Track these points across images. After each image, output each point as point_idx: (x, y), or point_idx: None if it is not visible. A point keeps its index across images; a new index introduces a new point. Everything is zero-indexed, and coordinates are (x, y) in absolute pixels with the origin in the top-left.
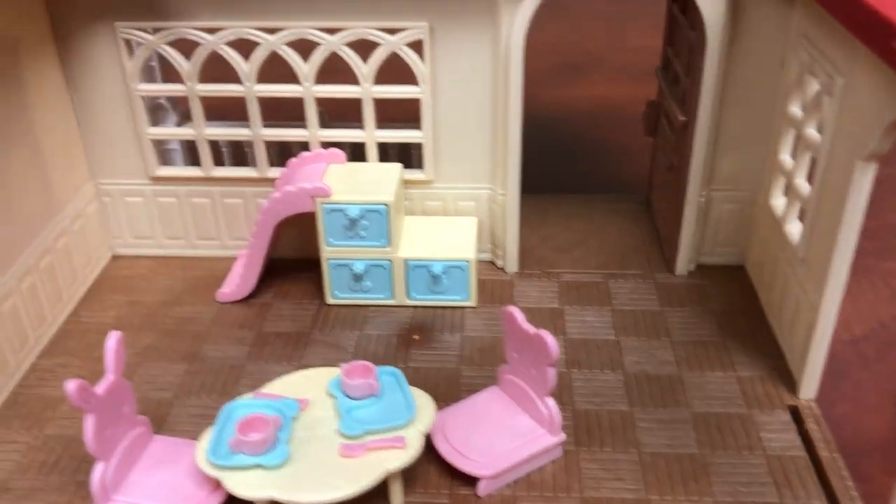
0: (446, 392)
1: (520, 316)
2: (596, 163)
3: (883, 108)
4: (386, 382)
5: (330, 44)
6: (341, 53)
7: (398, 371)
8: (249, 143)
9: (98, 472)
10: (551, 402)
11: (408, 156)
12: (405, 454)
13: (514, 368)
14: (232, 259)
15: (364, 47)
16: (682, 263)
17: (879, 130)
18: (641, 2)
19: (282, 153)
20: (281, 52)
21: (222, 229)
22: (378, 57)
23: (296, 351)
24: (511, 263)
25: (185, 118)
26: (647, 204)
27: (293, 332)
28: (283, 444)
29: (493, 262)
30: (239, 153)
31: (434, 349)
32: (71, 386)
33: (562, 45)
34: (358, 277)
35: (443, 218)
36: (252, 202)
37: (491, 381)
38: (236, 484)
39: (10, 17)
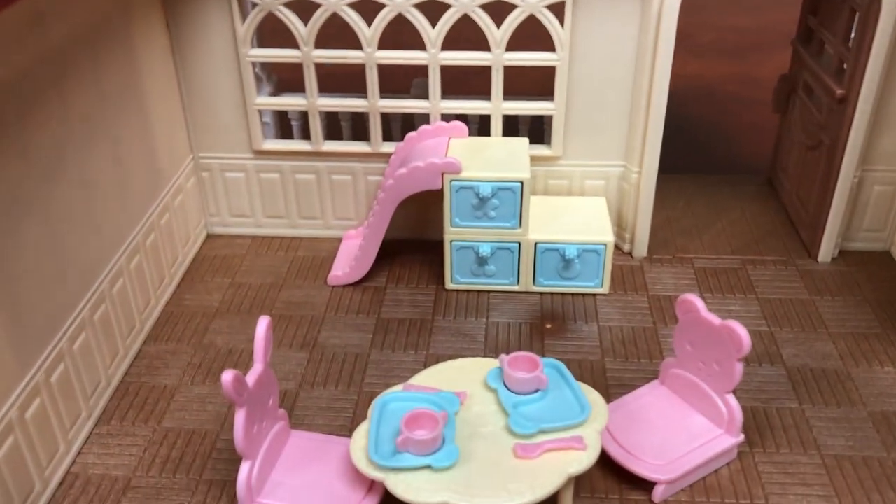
0: (594, 387)
1: (701, 304)
2: (700, 142)
3: None
4: (550, 376)
5: (462, 6)
6: (474, 16)
7: (561, 364)
8: (347, 116)
9: (244, 473)
10: (733, 399)
11: (515, 130)
12: (586, 456)
13: (686, 362)
14: (335, 240)
15: (494, 11)
16: (827, 249)
17: None
18: None
19: (385, 126)
20: (408, 15)
21: (327, 208)
22: (513, 20)
23: (421, 339)
24: (640, 248)
25: (278, 89)
26: (769, 184)
27: (415, 319)
28: (452, 443)
29: (618, 247)
30: (335, 126)
31: (570, 339)
32: (228, 377)
33: None
34: (482, 261)
35: (569, 198)
36: (361, 179)
37: (641, 374)
38: (404, 487)
39: None
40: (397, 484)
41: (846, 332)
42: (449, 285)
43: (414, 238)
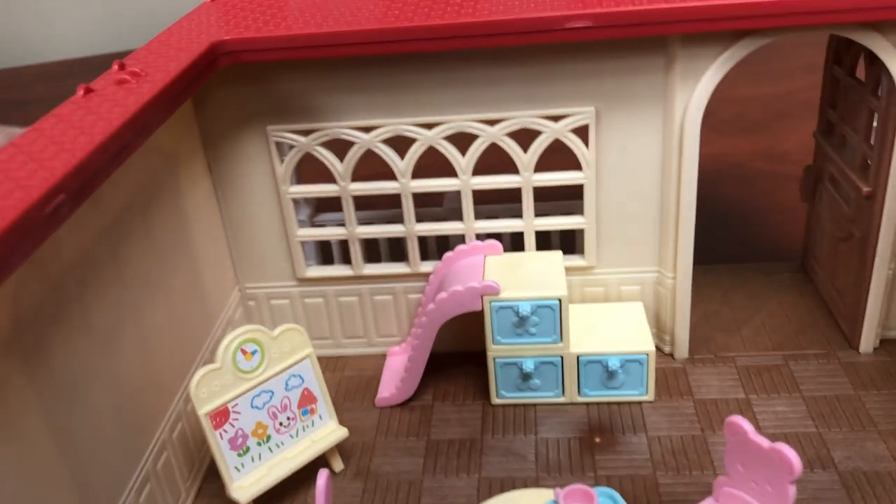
0: (647, 503)
1: (749, 427)
2: (730, 225)
3: None
4: None
5: (490, 135)
6: (501, 144)
7: (616, 494)
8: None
9: None
10: None
11: (547, 239)
12: None
13: (738, 482)
14: (380, 357)
15: (521, 135)
16: (868, 340)
17: None
18: None
19: (422, 243)
20: (439, 147)
21: (370, 327)
22: (540, 144)
23: (472, 460)
24: (681, 349)
25: (316, 210)
26: (804, 272)
27: (465, 439)
28: None
29: (658, 348)
30: (373, 246)
31: (620, 452)
32: None
33: None
34: (527, 376)
35: (607, 305)
36: (402, 298)
37: (693, 488)
38: None
39: (170, 136)
40: None
41: None
42: (495, 400)
43: (458, 350)
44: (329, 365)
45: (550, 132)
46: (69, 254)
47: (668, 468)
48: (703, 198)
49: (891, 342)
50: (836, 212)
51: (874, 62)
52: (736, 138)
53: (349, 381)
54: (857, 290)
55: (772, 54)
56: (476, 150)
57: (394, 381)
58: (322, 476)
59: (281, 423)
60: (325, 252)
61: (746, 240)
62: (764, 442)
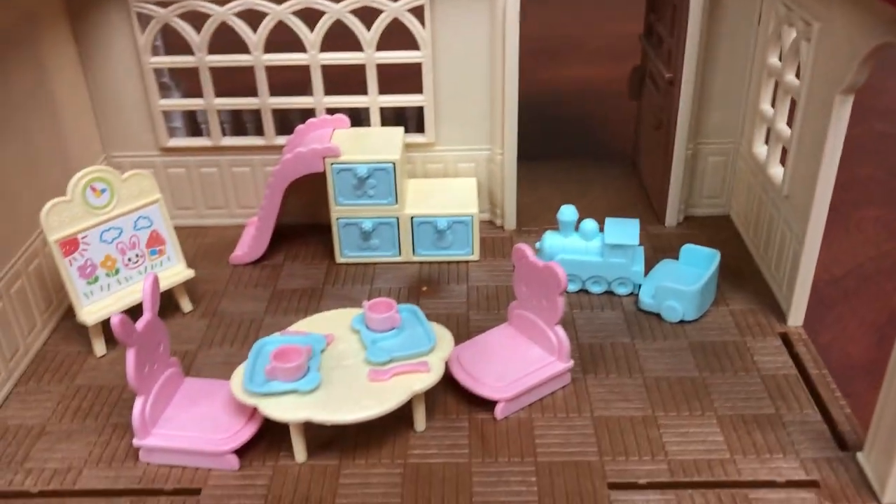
0: (457, 333)
1: (529, 251)
2: (581, 134)
3: (858, 42)
4: (406, 318)
5: (335, 12)
6: (346, 21)
7: (416, 307)
8: (249, 115)
9: (138, 407)
10: (560, 330)
11: (403, 123)
12: (429, 377)
13: (524, 303)
14: (240, 227)
15: (365, 16)
16: (672, 215)
17: (856, 62)
18: None
19: (282, 123)
20: (287, 21)
21: (230, 198)
22: (381, 22)
23: (311, 304)
24: (509, 221)
25: (186, 96)
26: (633, 166)
27: (307, 289)
28: (315, 371)
29: (492, 222)
30: (239, 125)
31: (442, 298)
32: (115, 320)
33: (540, 32)
34: (366, 235)
35: (444, 179)
36: (259, 170)
37: (499, 323)
38: (273, 408)
39: None
40: (267, 406)
41: None
42: (339, 259)
43: (310, 222)
44: (191, 233)
45: (390, 11)
46: None
47: (480, 308)
48: (561, 111)
49: (694, 218)
50: (651, 103)
51: None
52: (601, 66)
53: (209, 246)
54: (663, 171)
55: None
56: (323, 25)
57: (247, 242)
58: (149, 279)
59: (129, 259)
60: (195, 128)
61: (591, 143)
62: (539, 262)
